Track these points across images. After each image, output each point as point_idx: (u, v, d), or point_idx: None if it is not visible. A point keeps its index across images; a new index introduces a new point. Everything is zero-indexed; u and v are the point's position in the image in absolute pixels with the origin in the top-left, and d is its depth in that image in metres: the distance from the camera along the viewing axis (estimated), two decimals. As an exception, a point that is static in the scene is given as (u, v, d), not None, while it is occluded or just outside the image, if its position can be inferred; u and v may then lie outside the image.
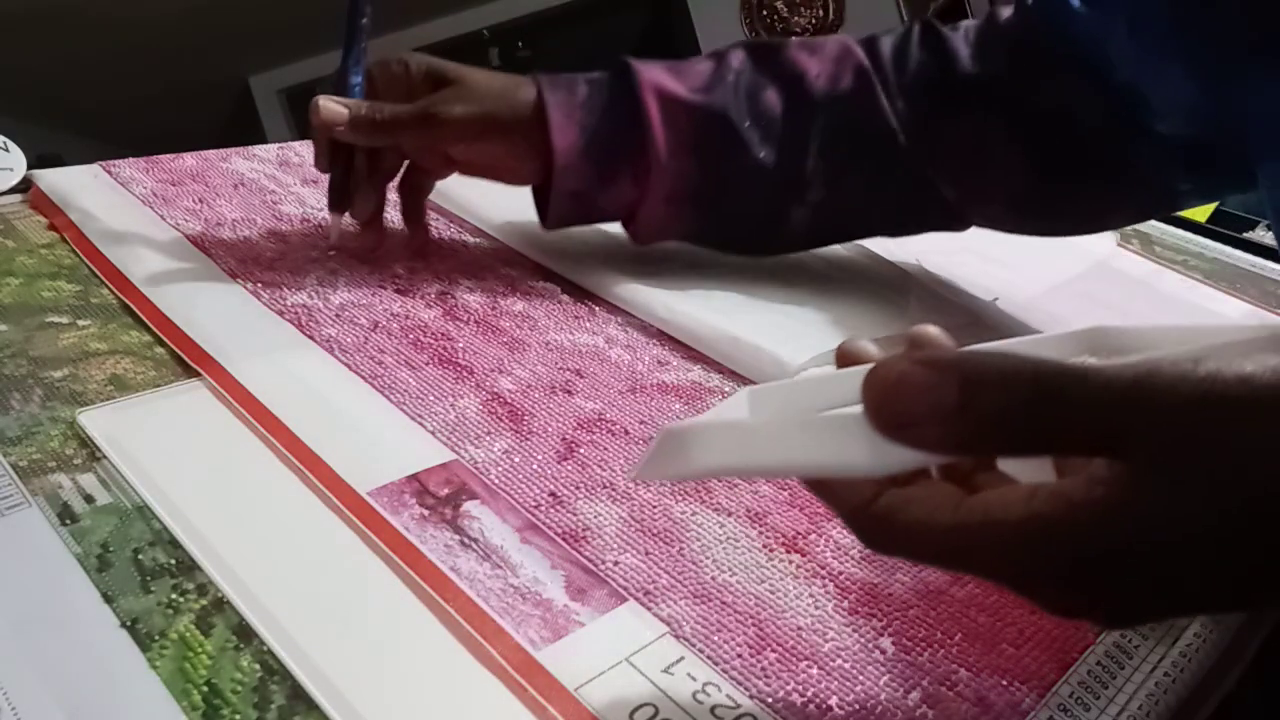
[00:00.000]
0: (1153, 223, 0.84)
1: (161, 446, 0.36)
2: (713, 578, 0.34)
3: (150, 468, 0.35)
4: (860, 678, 0.30)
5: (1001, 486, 0.25)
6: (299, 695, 0.27)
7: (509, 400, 0.42)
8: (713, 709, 0.29)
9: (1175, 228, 0.84)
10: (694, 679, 0.30)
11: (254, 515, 0.34)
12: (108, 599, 0.29)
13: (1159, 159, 0.48)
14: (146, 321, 0.43)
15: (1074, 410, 0.21)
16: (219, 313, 0.44)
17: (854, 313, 0.53)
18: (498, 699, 0.28)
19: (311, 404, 0.39)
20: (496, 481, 0.37)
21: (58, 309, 0.44)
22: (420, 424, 0.39)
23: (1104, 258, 0.73)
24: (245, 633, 0.29)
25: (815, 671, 0.30)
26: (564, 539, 0.34)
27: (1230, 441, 0.21)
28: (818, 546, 0.36)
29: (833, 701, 0.29)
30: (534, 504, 0.36)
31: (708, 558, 0.35)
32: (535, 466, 0.38)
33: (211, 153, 0.61)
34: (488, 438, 0.39)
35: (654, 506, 0.37)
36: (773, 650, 0.31)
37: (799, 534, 0.36)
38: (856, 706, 0.29)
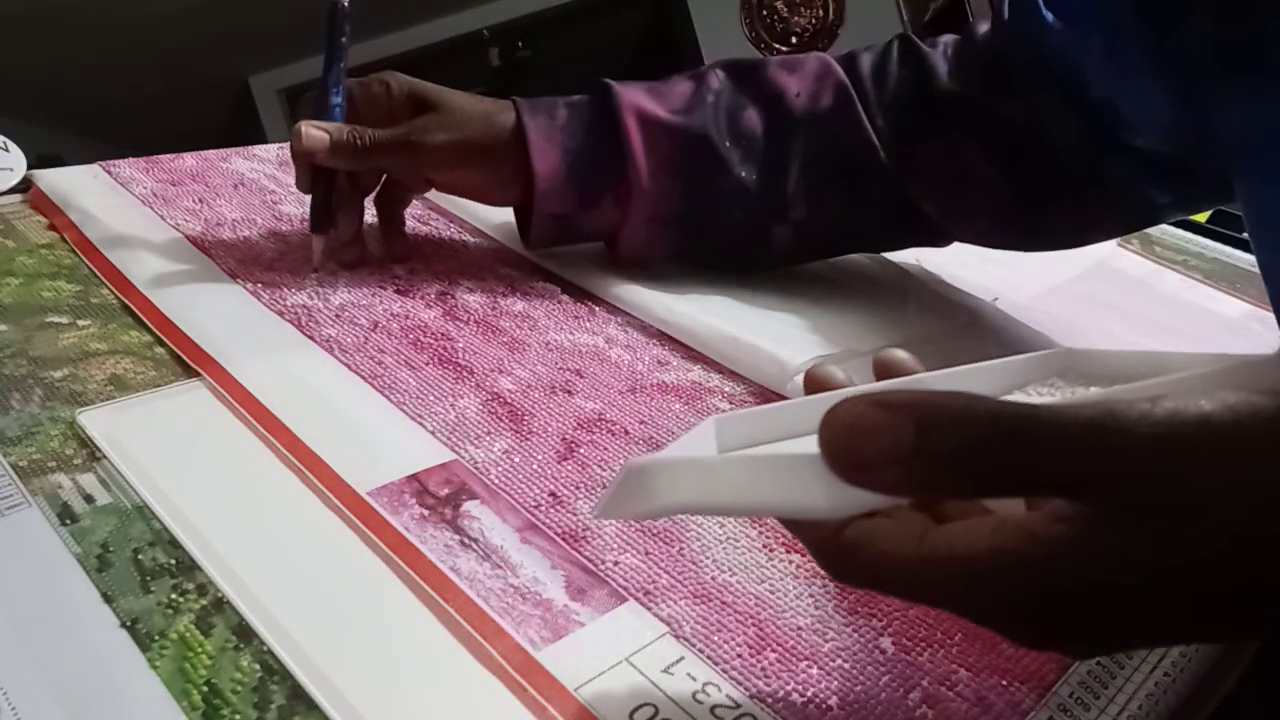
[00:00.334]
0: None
1: (161, 446, 0.36)
2: (713, 578, 0.34)
3: (150, 468, 0.35)
4: (860, 678, 0.30)
5: (969, 514, 0.25)
6: (299, 695, 0.27)
7: (509, 400, 0.42)
8: (713, 709, 0.29)
9: (1175, 228, 0.84)
10: (694, 679, 0.30)
11: (254, 515, 0.34)
12: (108, 599, 0.29)
13: (1136, 174, 0.48)
14: (146, 321, 0.43)
15: (1031, 454, 0.21)
16: (219, 313, 0.44)
17: (853, 313, 0.53)
18: (498, 699, 0.28)
19: (311, 404, 0.39)
20: (496, 481, 0.37)
21: (58, 309, 0.44)
22: (420, 424, 0.39)
23: (1104, 258, 0.73)
24: (245, 633, 0.29)
25: (815, 671, 0.30)
26: (564, 539, 0.34)
27: (1187, 486, 0.21)
28: (818, 546, 0.36)
29: (833, 701, 0.29)
30: (534, 504, 0.36)
31: (708, 558, 0.34)
32: (535, 466, 0.38)
33: (211, 153, 0.61)
34: (488, 438, 0.39)
35: (654, 506, 0.37)
36: (773, 650, 0.31)
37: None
38: (856, 706, 0.29)
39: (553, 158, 0.49)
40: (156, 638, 0.28)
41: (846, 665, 0.31)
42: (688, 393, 0.45)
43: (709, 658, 0.30)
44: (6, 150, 0.55)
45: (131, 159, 0.57)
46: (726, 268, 0.54)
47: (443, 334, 0.46)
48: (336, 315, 0.46)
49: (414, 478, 0.36)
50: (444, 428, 0.39)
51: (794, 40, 1.68)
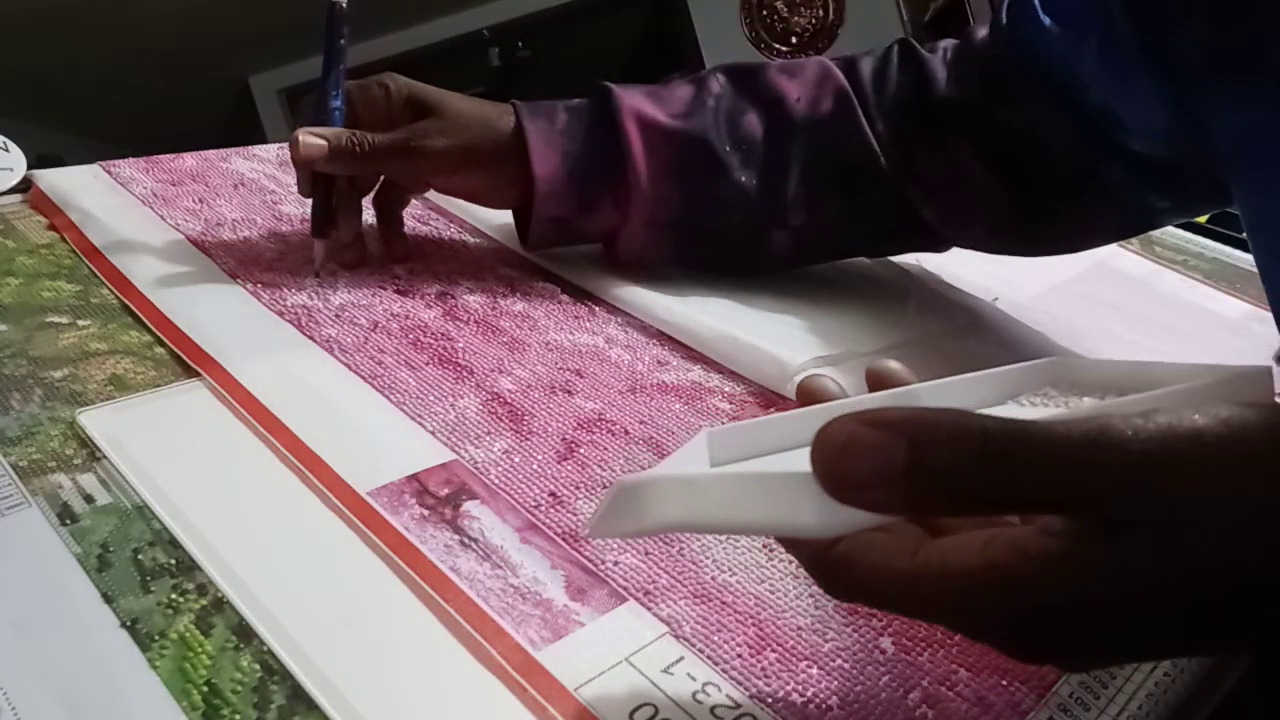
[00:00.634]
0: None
1: (161, 446, 0.36)
2: (713, 578, 0.34)
3: (150, 468, 0.35)
4: (860, 678, 0.30)
5: (962, 528, 0.25)
6: (299, 695, 0.27)
7: (509, 400, 0.42)
8: (713, 709, 0.29)
9: (1175, 228, 0.84)
10: (694, 679, 0.30)
11: (254, 515, 0.34)
12: (108, 599, 0.29)
13: (1133, 179, 0.48)
14: (146, 321, 0.43)
15: (1023, 471, 0.21)
16: (219, 313, 0.44)
17: (853, 313, 0.53)
18: (498, 699, 0.28)
19: (311, 404, 0.39)
20: (496, 481, 0.37)
21: (58, 309, 0.44)
22: (420, 424, 0.39)
23: (1104, 258, 0.73)
24: (245, 633, 0.29)
25: (815, 671, 0.30)
26: (564, 539, 0.34)
27: (1180, 502, 0.21)
28: (818, 546, 0.36)
29: (833, 701, 0.29)
30: (534, 504, 0.36)
31: (708, 558, 0.35)
32: (535, 466, 0.38)
33: (211, 153, 0.61)
34: (488, 438, 0.39)
35: (654, 506, 0.37)
36: (773, 650, 0.31)
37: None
38: (856, 706, 0.29)
39: (552, 161, 0.49)
40: (156, 638, 0.28)
41: (846, 665, 0.31)
42: (688, 393, 0.45)
43: (709, 658, 0.30)
44: (6, 150, 0.55)
45: (131, 159, 0.57)
46: (725, 272, 0.54)
47: (443, 334, 0.46)
48: (336, 315, 0.46)
49: (414, 478, 0.36)
50: (444, 428, 0.39)
51: (794, 40, 1.68)
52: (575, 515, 0.36)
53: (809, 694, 0.30)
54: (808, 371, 0.42)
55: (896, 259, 0.62)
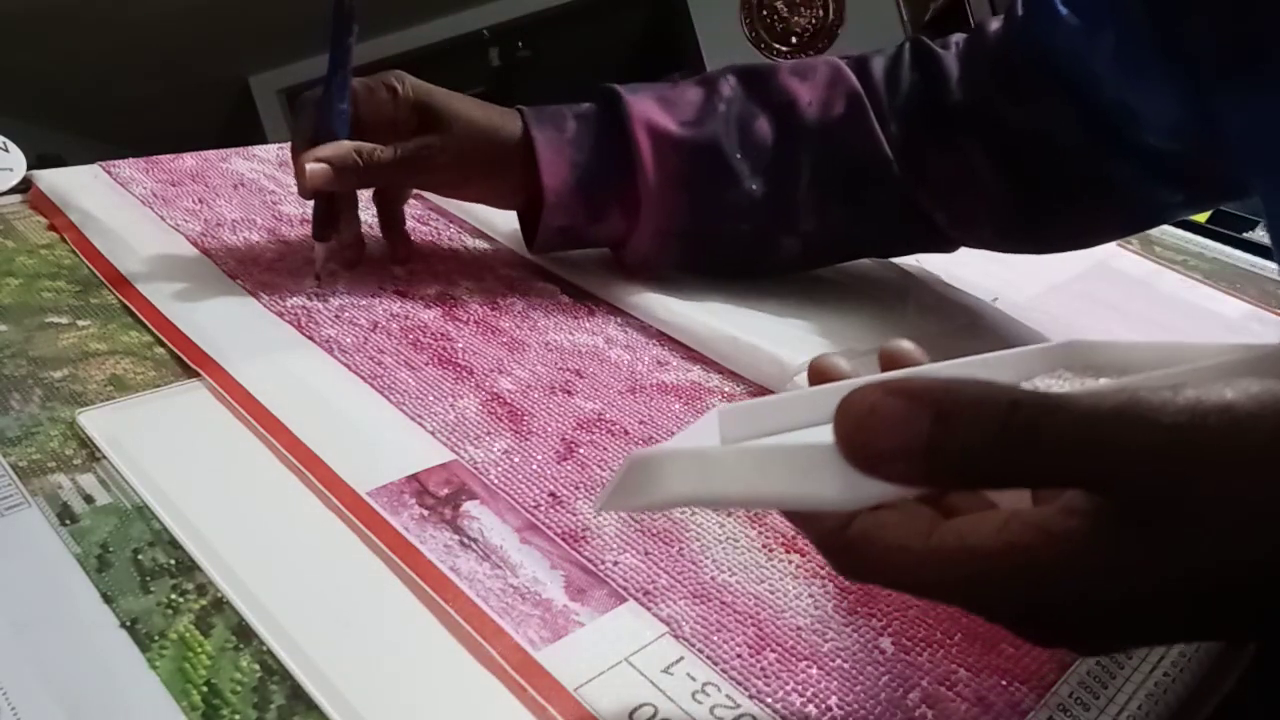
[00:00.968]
0: (1152, 223, 0.84)
1: (161, 446, 0.36)
2: (712, 578, 0.34)
3: (150, 468, 0.35)
4: (860, 678, 0.30)
5: (977, 509, 0.25)
6: (299, 695, 0.27)
7: (509, 400, 0.42)
8: (712, 709, 0.29)
9: (1175, 228, 0.84)
10: (694, 679, 0.30)
11: (254, 515, 0.34)
12: (108, 599, 0.29)
13: (1145, 174, 0.48)
14: (146, 322, 0.43)
15: (1050, 445, 0.21)
16: (219, 313, 0.44)
17: (853, 313, 0.53)
18: (498, 699, 0.28)
19: (311, 404, 0.39)
20: (496, 481, 0.37)
21: (58, 309, 0.44)
22: (420, 424, 0.39)
23: (1104, 258, 0.73)
24: (245, 633, 0.29)
25: (815, 671, 0.30)
26: (564, 539, 0.34)
27: (1210, 480, 0.21)
28: (817, 546, 0.36)
29: (832, 701, 0.29)
30: (534, 504, 0.36)
31: (707, 558, 0.35)
32: (535, 466, 0.38)
33: (211, 153, 0.61)
34: (487, 438, 0.39)
35: (654, 506, 0.37)
36: (772, 650, 0.31)
37: (799, 534, 0.36)
38: (856, 706, 0.29)
39: (561, 171, 0.49)
40: (156, 638, 0.28)
41: (846, 665, 0.31)
42: (687, 393, 0.45)
43: (708, 658, 0.30)
44: (6, 150, 0.55)
45: (131, 159, 0.57)
46: (733, 276, 0.54)
47: (442, 334, 0.46)
48: (336, 315, 0.46)
49: (414, 478, 0.36)
50: (444, 428, 0.39)
51: (794, 40, 1.68)
52: (575, 515, 0.36)
53: (809, 694, 0.30)
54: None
55: (897, 259, 0.62)
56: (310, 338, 0.44)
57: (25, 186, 0.54)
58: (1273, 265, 0.79)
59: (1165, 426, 0.20)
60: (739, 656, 0.31)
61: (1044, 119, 0.49)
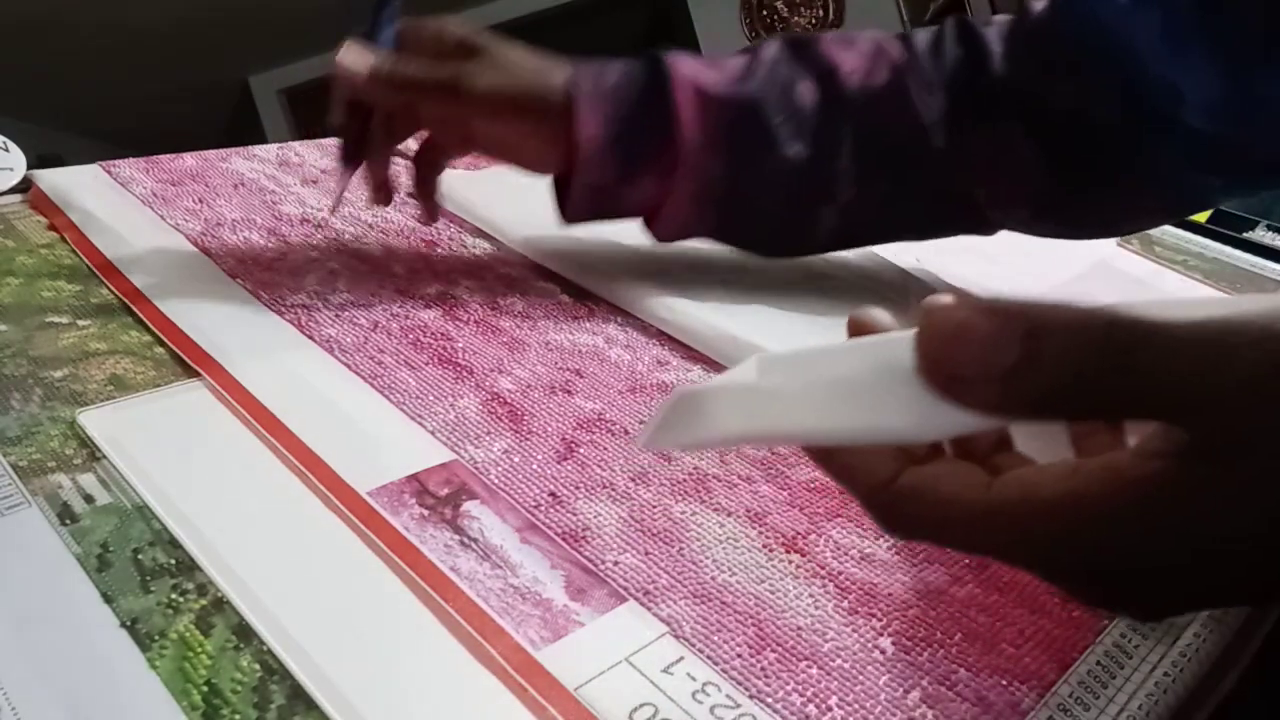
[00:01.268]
0: (1153, 222, 0.84)
1: (161, 446, 0.36)
2: (712, 578, 0.34)
3: (150, 468, 0.35)
4: (860, 678, 0.30)
5: (1024, 467, 0.23)
6: (299, 695, 0.27)
7: (509, 400, 0.42)
8: (712, 709, 0.29)
9: (1175, 228, 0.84)
10: (694, 679, 0.30)
11: (254, 515, 0.34)
12: (108, 599, 0.29)
13: (1185, 157, 0.48)
14: (146, 321, 0.43)
15: (1146, 371, 0.19)
16: (219, 313, 0.44)
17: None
18: (498, 699, 0.28)
19: (311, 404, 0.39)
20: (496, 481, 0.37)
21: (58, 309, 0.44)
22: (420, 424, 0.39)
23: (1104, 258, 0.73)
24: (245, 633, 0.29)
25: (815, 671, 0.30)
26: (564, 539, 0.34)
27: None
28: (817, 546, 0.36)
29: (832, 701, 0.29)
30: (534, 504, 0.36)
31: (708, 558, 0.35)
32: (535, 466, 0.38)
33: (211, 153, 0.61)
34: (488, 438, 0.39)
35: (654, 506, 0.37)
36: (772, 650, 0.31)
37: (799, 534, 0.36)
38: (856, 706, 0.29)
39: (597, 124, 0.47)
40: (156, 638, 0.28)
41: (846, 665, 0.31)
42: (688, 393, 0.45)
43: (709, 658, 0.30)
44: (6, 150, 0.55)
45: (131, 159, 0.57)
46: (767, 250, 0.53)
47: (443, 334, 0.46)
48: (336, 315, 0.46)
49: (414, 478, 0.36)
50: (444, 428, 0.39)
51: (794, 40, 1.68)
52: (575, 515, 0.36)
53: (809, 694, 0.30)
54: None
55: (896, 259, 0.62)
56: (310, 337, 0.44)
57: (25, 186, 0.54)
58: (1273, 265, 0.79)
59: (1265, 355, 0.19)
60: (739, 656, 0.31)
61: (1086, 98, 0.48)
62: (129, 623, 0.29)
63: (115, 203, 0.53)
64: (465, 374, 0.43)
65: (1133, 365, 0.19)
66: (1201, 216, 0.85)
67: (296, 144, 0.64)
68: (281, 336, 0.44)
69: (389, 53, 0.46)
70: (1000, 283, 0.63)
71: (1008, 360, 0.19)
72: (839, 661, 0.31)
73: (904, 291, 0.59)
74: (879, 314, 0.27)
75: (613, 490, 0.37)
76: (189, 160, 0.59)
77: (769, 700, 0.29)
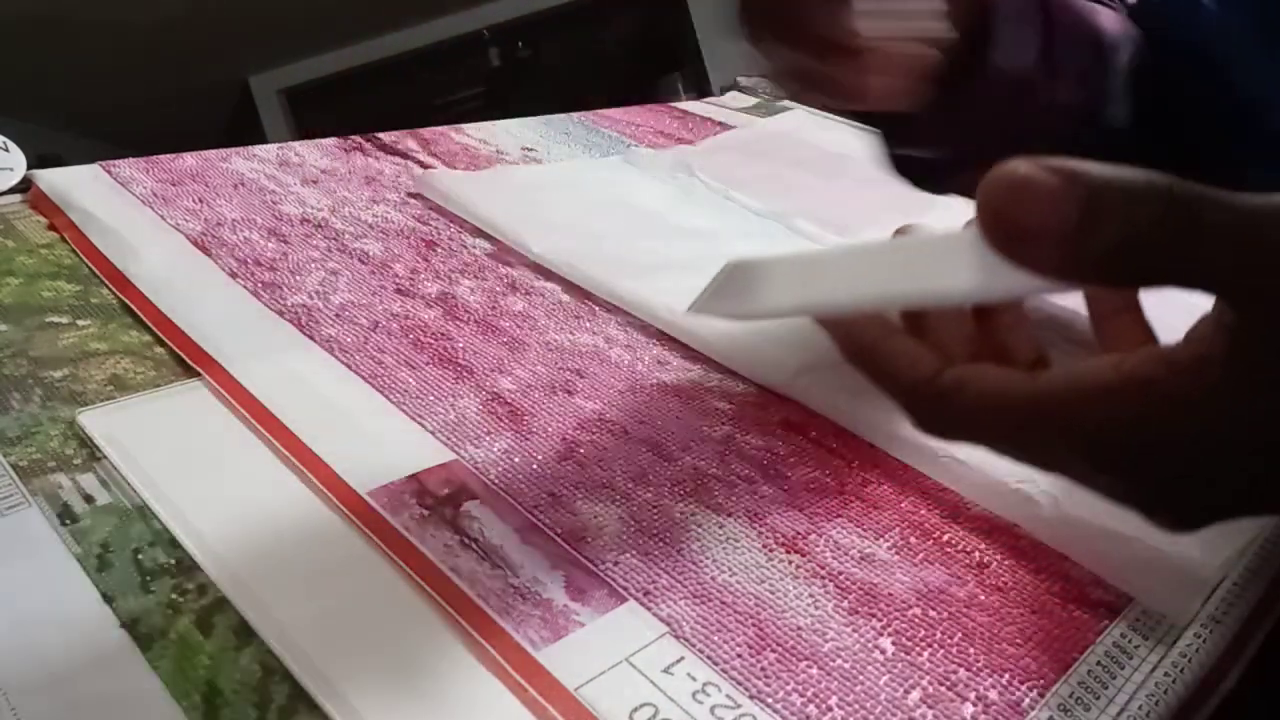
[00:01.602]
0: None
1: (161, 446, 0.36)
2: (713, 578, 0.34)
3: (150, 468, 0.35)
4: (860, 678, 0.30)
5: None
6: (300, 695, 0.27)
7: (509, 400, 0.42)
8: (713, 709, 0.29)
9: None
10: (694, 679, 0.30)
11: (254, 515, 0.34)
12: (108, 599, 0.29)
13: (1273, 164, 0.46)
14: (146, 321, 0.43)
15: (1212, 237, 0.19)
16: (219, 313, 0.44)
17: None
18: (498, 699, 0.28)
19: (311, 404, 0.39)
20: (496, 481, 0.37)
21: (58, 309, 0.44)
22: (420, 424, 0.39)
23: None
24: (245, 633, 0.29)
25: (815, 671, 0.30)
26: (564, 539, 0.34)
27: None
28: (818, 546, 0.36)
29: (833, 701, 0.29)
30: (534, 504, 0.36)
31: (708, 558, 0.35)
32: (535, 466, 0.38)
33: (211, 153, 0.61)
34: (488, 438, 0.39)
35: (654, 506, 0.37)
36: (772, 650, 0.31)
37: (799, 534, 0.36)
38: (856, 706, 0.29)
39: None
40: (156, 638, 0.28)
41: (846, 665, 0.31)
42: (688, 393, 0.45)
43: (709, 658, 0.30)
44: (6, 150, 0.55)
45: (131, 159, 0.57)
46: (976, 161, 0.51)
47: (443, 334, 0.46)
48: (336, 315, 0.46)
49: (414, 478, 0.36)
50: (444, 428, 0.39)
51: (794, 40, 1.68)
52: (575, 515, 0.36)
53: (809, 694, 0.30)
54: (800, 377, 0.42)
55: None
56: (310, 337, 0.44)
57: (25, 186, 0.54)
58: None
59: None
60: (739, 656, 0.31)
61: (1177, 104, 0.48)
62: (129, 623, 0.29)
63: (115, 203, 0.53)
64: (465, 374, 0.43)
65: (1199, 231, 0.19)
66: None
67: (296, 144, 0.64)
68: (281, 336, 0.44)
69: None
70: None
71: (1071, 218, 0.19)
72: (839, 661, 0.31)
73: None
74: (930, 226, 0.27)
75: (613, 490, 0.37)
76: (189, 160, 0.59)
77: (769, 700, 0.29)
